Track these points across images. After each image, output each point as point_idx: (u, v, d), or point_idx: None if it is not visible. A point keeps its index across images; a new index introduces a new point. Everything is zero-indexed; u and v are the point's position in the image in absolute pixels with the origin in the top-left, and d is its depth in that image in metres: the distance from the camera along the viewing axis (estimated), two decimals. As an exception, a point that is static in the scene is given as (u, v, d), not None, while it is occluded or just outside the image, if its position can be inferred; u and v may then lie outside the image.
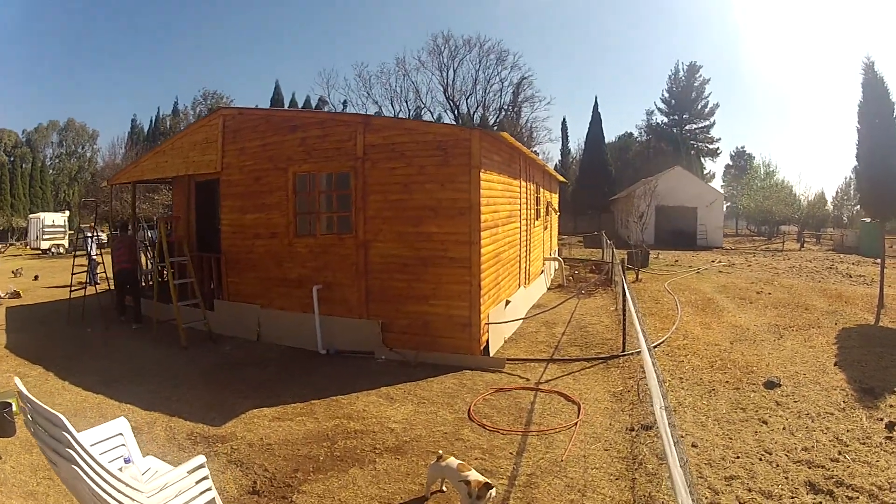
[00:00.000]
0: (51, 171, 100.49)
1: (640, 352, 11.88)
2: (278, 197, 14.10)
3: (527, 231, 17.91)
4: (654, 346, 12.75)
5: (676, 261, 34.94)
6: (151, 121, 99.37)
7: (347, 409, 9.52)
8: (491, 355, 12.32)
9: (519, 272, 16.65)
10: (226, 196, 15.39)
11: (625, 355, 12.32)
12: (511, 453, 7.85)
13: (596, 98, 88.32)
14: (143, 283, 19.42)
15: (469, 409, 9.43)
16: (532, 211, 19.09)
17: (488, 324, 12.49)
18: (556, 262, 26.06)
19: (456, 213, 11.81)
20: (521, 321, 15.33)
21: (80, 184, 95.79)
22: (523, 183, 17.09)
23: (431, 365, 11.93)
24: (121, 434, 5.81)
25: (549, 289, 22.80)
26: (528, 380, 11.01)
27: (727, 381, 10.60)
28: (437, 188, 11.95)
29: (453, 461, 6.39)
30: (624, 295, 12.61)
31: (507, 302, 14.50)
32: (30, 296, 23.15)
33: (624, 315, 12.86)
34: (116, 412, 8.98)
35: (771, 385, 10.22)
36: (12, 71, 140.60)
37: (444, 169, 11.86)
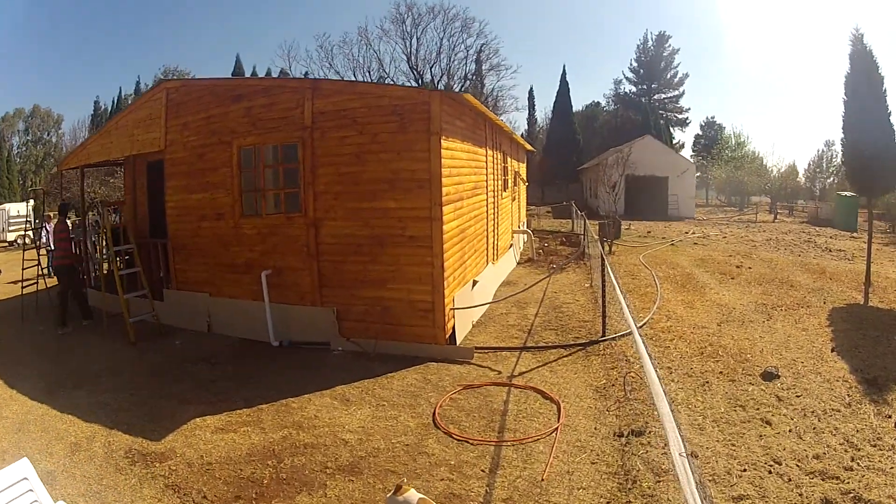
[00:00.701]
0: (17, 160, 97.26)
1: (622, 336, 10.88)
2: (223, 174, 12.56)
3: (494, 203, 16.48)
4: (639, 328, 11.36)
5: (649, 232, 33.47)
6: (113, 101, 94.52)
7: (298, 416, 8.35)
8: (458, 343, 11.01)
9: (487, 248, 15.28)
10: (170, 175, 13.81)
11: (605, 340, 11.00)
12: (483, 470, 6.61)
13: (564, 67, 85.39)
14: (89, 274, 17.37)
15: (434, 413, 8.22)
16: (500, 182, 17.69)
17: (454, 309, 11.11)
18: (526, 235, 24.48)
19: (414, 185, 10.39)
20: (490, 304, 13.96)
21: (45, 171, 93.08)
22: (490, 151, 15.66)
23: (392, 356, 10.67)
24: (26, 479, 4.88)
25: (518, 263, 21.35)
26: (499, 373, 9.74)
27: (721, 372, 9.38)
28: (394, 158, 10.51)
29: (413, 496, 5.19)
30: (604, 273, 11.33)
31: (475, 282, 13.13)
32: None
33: (603, 294, 11.57)
34: (58, 425, 8.47)
35: (769, 376, 9.07)
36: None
37: (401, 136, 10.41)
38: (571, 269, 19.73)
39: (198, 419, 8.34)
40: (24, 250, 18.22)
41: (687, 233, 33.16)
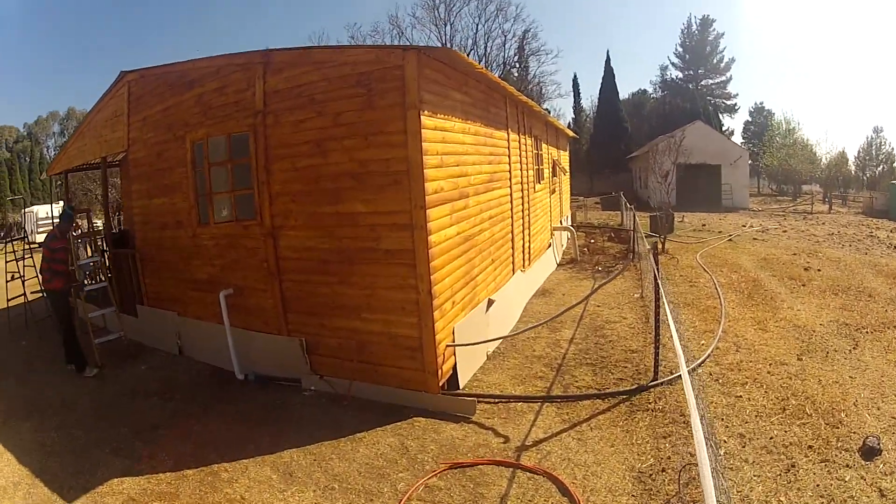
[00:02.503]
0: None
1: (678, 377, 7.42)
2: (179, 175, 9.95)
3: (523, 198, 12.87)
4: (698, 365, 8.27)
5: (704, 225, 29.18)
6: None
7: (220, 496, 6.24)
8: (461, 386, 7.96)
9: (512, 255, 11.77)
10: (134, 178, 11.52)
11: (657, 385, 7.65)
12: None
13: (608, 52, 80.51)
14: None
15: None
16: (531, 172, 13.96)
17: (452, 345, 7.93)
18: (568, 232, 20.21)
19: (388, 181, 7.27)
20: (506, 338, 10.38)
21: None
22: (514, 135, 12.11)
23: (373, 403, 7.89)
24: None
25: (558, 265, 17.47)
26: (506, 440, 6.65)
27: (810, 446, 6.12)
28: (360, 145, 7.41)
29: None
30: (657, 293, 7.89)
31: (490, 302, 9.73)
32: None
33: (657, 324, 7.99)
34: None
35: (870, 453, 5.88)
36: (12, 66, 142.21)
37: (369, 114, 7.30)
38: (619, 272, 15.92)
39: (116, 480, 6.83)
40: (6, 262, 16.53)
41: (744, 226, 28.65)
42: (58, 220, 10.95)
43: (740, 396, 7.26)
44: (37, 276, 15.43)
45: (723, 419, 6.67)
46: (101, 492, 6.64)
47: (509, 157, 11.50)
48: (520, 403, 7.53)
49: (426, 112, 7.13)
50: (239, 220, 9.02)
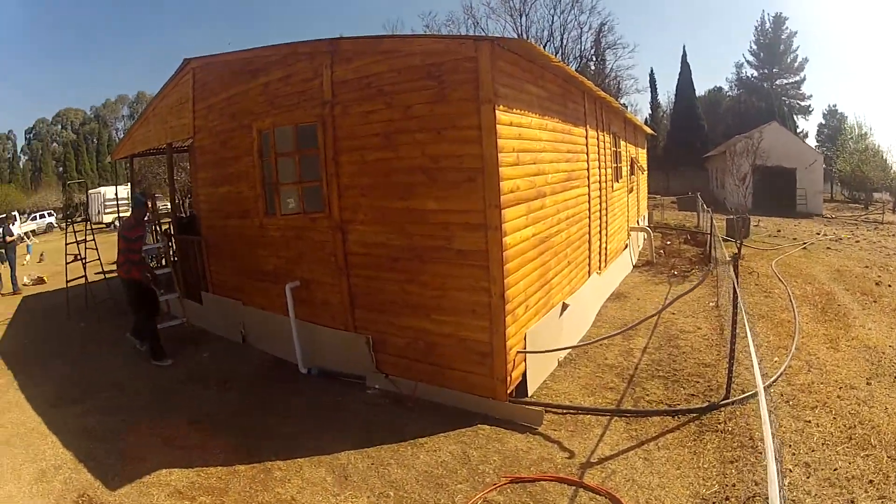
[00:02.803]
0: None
1: (750, 396, 7.11)
2: (246, 164, 9.82)
3: (601, 198, 12.31)
4: (770, 384, 7.73)
5: (779, 231, 27.73)
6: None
7: (271, 495, 6.02)
8: (530, 394, 7.60)
9: (588, 256, 11.25)
10: (200, 166, 11.53)
11: (728, 404, 7.16)
12: None
13: (684, 48, 78.79)
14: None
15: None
16: (609, 170, 13.37)
17: (524, 352, 7.53)
18: (645, 233, 19.28)
19: (462, 178, 6.88)
20: (579, 346, 9.89)
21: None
22: (592, 132, 11.56)
23: (437, 406, 7.57)
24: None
25: (634, 267, 16.72)
26: (571, 454, 6.27)
27: (871, 481, 5.62)
28: (432, 139, 7.05)
29: None
30: (735, 308, 7.38)
31: (565, 306, 9.29)
32: (55, 280, 20.36)
33: (732, 340, 7.45)
34: (41, 444, 7.63)
35: None
36: (78, 49, 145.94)
37: (441, 108, 6.91)
38: (695, 276, 15.26)
39: (164, 471, 6.65)
40: (66, 244, 16.46)
41: (818, 234, 27.32)
42: (131, 208, 10.97)
43: (809, 421, 6.80)
44: (98, 259, 15.74)
45: (790, 445, 6.26)
46: (148, 482, 6.51)
47: (587, 154, 11.05)
48: (588, 416, 7.15)
49: (501, 107, 6.75)
50: (307, 213, 8.83)
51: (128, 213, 17.37)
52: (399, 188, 7.42)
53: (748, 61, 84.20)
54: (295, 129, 8.72)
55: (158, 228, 13.76)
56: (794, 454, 6.04)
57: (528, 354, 7.58)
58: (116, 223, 42.30)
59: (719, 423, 6.74)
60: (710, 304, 12.13)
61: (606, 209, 12.86)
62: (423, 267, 7.40)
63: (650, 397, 7.57)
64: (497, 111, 6.60)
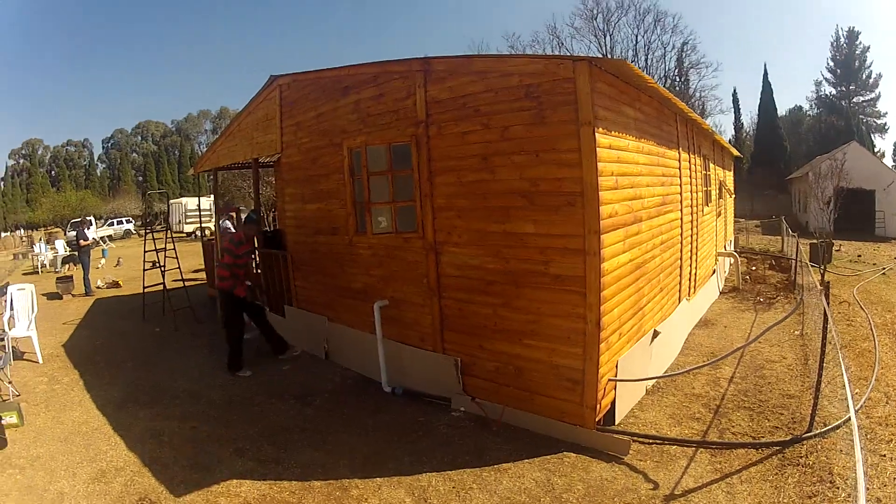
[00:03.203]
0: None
1: (832, 429, 6.90)
2: (336, 181, 9.94)
3: (693, 222, 12.00)
4: (848, 418, 7.22)
5: (859, 255, 26.56)
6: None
7: None
8: (617, 422, 7.44)
9: (679, 282, 10.98)
10: (287, 182, 11.81)
11: (810, 437, 6.92)
12: None
13: (765, 66, 76.86)
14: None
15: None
16: (700, 194, 12.97)
17: (614, 380, 7.36)
18: (732, 257, 18.69)
19: (561, 202, 6.75)
20: (667, 377, 9.62)
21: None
22: (685, 155, 11.30)
23: (522, 432, 7.43)
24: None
25: (721, 293, 16.28)
26: (655, 486, 6.12)
27: None
28: (531, 161, 6.93)
29: None
30: (824, 342, 7.16)
31: (656, 333, 9.09)
32: (131, 286, 21.33)
33: (820, 368, 7.23)
34: (102, 445, 7.74)
35: None
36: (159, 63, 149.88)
37: (539, 130, 6.80)
38: (780, 304, 14.78)
39: (235, 481, 6.66)
40: (144, 252, 16.78)
41: None
42: (244, 224, 11.49)
43: (884, 455, 6.53)
44: (178, 268, 16.17)
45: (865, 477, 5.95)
46: (216, 491, 6.49)
47: (680, 178, 10.82)
48: (674, 446, 6.98)
49: (600, 129, 6.63)
50: (399, 233, 8.84)
51: (212, 225, 17.76)
52: (497, 211, 7.35)
53: (826, 79, 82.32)
54: (388, 148, 8.74)
55: None
56: (867, 489, 5.71)
57: (618, 383, 7.41)
58: (198, 233, 43.75)
59: (800, 457, 6.54)
60: (795, 332, 11.74)
61: (697, 234, 12.57)
62: (519, 291, 7.29)
63: (735, 429, 7.38)
64: (597, 134, 6.48)
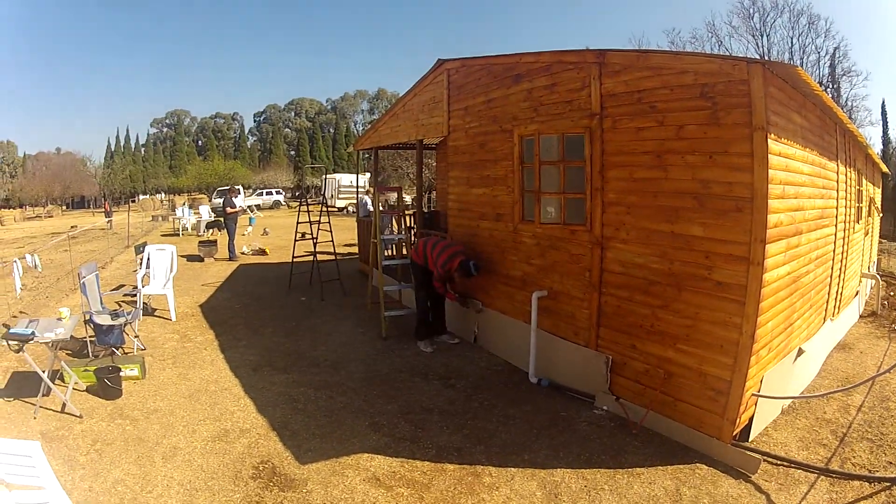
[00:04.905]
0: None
1: None
2: (504, 168, 10.43)
3: (844, 239, 11.64)
4: None
5: None
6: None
7: (474, 500, 6.04)
8: (750, 439, 7.49)
9: (827, 301, 10.68)
10: (452, 165, 12.29)
11: None
12: None
13: None
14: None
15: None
16: (853, 210, 12.56)
17: (758, 395, 7.43)
18: (874, 280, 17.57)
19: (730, 207, 6.91)
20: (806, 398, 9.44)
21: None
22: (842, 167, 10.99)
23: (659, 437, 7.51)
24: (30, 457, 4.56)
25: (861, 316, 15.40)
26: None
27: None
28: (703, 163, 7.12)
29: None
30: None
31: (800, 351, 8.99)
32: (277, 254, 22.54)
33: None
34: (230, 405, 8.14)
35: None
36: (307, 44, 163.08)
37: (713, 130, 6.97)
38: None
39: (366, 455, 6.91)
40: (297, 223, 17.37)
41: None
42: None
43: None
44: (331, 241, 17.05)
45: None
46: (344, 462, 6.70)
47: (837, 191, 10.62)
48: (798, 471, 6.94)
49: (772, 135, 6.74)
50: (566, 224, 9.18)
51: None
52: (666, 211, 7.54)
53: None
54: (561, 138, 9.11)
55: (404, 220, 14.35)
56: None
57: (759, 398, 7.49)
58: (350, 209, 45.51)
59: None
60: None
61: (847, 252, 12.22)
62: (679, 295, 7.48)
63: (856, 459, 7.26)
64: (769, 140, 6.60)
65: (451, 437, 7.44)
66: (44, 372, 7.82)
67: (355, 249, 21.34)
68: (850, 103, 57.51)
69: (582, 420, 8.03)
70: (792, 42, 59.13)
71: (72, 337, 9.33)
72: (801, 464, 7.11)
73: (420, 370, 9.98)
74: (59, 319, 8.47)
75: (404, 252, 14.14)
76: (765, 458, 7.07)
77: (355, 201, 24.40)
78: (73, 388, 8.39)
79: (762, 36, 58.93)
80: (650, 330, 7.86)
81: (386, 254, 14.15)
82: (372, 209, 14.54)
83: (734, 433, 7.14)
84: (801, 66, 53.11)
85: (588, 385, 8.80)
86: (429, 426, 7.74)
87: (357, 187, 18.79)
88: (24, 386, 8.52)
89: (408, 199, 28.94)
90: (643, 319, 7.94)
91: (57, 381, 8.52)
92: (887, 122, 73.59)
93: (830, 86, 57.74)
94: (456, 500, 6.05)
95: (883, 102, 76.98)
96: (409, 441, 7.28)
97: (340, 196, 52.37)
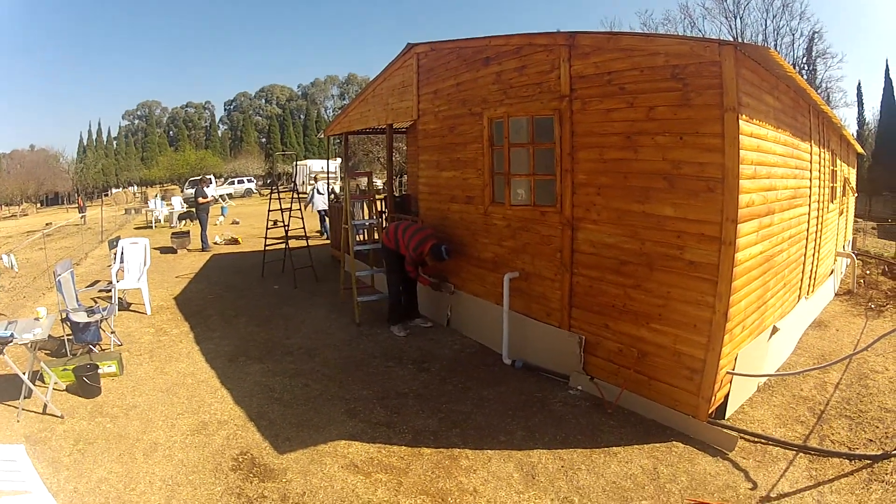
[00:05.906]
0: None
1: None
2: (473, 151, 10.42)
3: (818, 219, 11.73)
4: None
5: None
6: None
7: (452, 483, 6.09)
8: (727, 416, 7.56)
9: (801, 279, 10.81)
10: (423, 149, 12.25)
11: None
12: None
13: (887, 62, 72.20)
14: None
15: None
16: (827, 190, 12.66)
17: (732, 373, 7.48)
18: (849, 259, 17.83)
19: (701, 187, 6.94)
20: (781, 375, 9.53)
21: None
22: (815, 148, 11.07)
23: (635, 416, 7.58)
24: (15, 461, 4.56)
25: (836, 294, 15.65)
26: (754, 486, 6.19)
27: None
28: (674, 144, 7.11)
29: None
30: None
31: (775, 329, 9.06)
32: (249, 243, 22.34)
33: None
34: (207, 397, 8.19)
35: None
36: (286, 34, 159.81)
37: (683, 111, 6.98)
38: (889, 313, 13.84)
39: (343, 442, 6.96)
40: (269, 210, 17.53)
41: None
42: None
43: None
44: (303, 227, 16.83)
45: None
46: (322, 450, 6.73)
47: (811, 172, 10.71)
48: (776, 448, 7.03)
49: (743, 116, 6.77)
50: (536, 206, 9.20)
51: (336, 187, 18.40)
52: (637, 191, 7.54)
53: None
54: (530, 120, 9.09)
55: (375, 205, 14.35)
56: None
57: (734, 376, 7.55)
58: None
59: (886, 474, 6.51)
60: (902, 343, 11.39)
61: (821, 231, 12.36)
62: (651, 274, 7.50)
63: (835, 436, 7.36)
64: (740, 120, 6.62)
65: (427, 420, 7.47)
66: (24, 374, 7.78)
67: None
68: (825, 85, 58.36)
69: (557, 400, 8.06)
70: (766, 24, 59.89)
71: (49, 336, 9.29)
72: (779, 441, 7.16)
73: (394, 355, 9.98)
74: (37, 319, 8.38)
75: (376, 237, 14.12)
76: (742, 435, 7.12)
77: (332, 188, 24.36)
78: (54, 389, 8.36)
79: (736, 18, 59.59)
80: (623, 309, 7.88)
81: (358, 238, 14.19)
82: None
83: (710, 411, 7.16)
84: (776, 48, 53.70)
85: (562, 365, 8.81)
86: (405, 411, 7.76)
87: (328, 174, 18.75)
88: (5, 389, 8.39)
89: (379, 183, 28.96)
90: (615, 299, 7.96)
91: (37, 382, 8.45)
92: (863, 104, 74.14)
93: (806, 68, 58.52)
94: (434, 483, 6.07)
95: (859, 84, 77.70)
96: (385, 426, 7.30)
97: (311, 183, 52.00)
